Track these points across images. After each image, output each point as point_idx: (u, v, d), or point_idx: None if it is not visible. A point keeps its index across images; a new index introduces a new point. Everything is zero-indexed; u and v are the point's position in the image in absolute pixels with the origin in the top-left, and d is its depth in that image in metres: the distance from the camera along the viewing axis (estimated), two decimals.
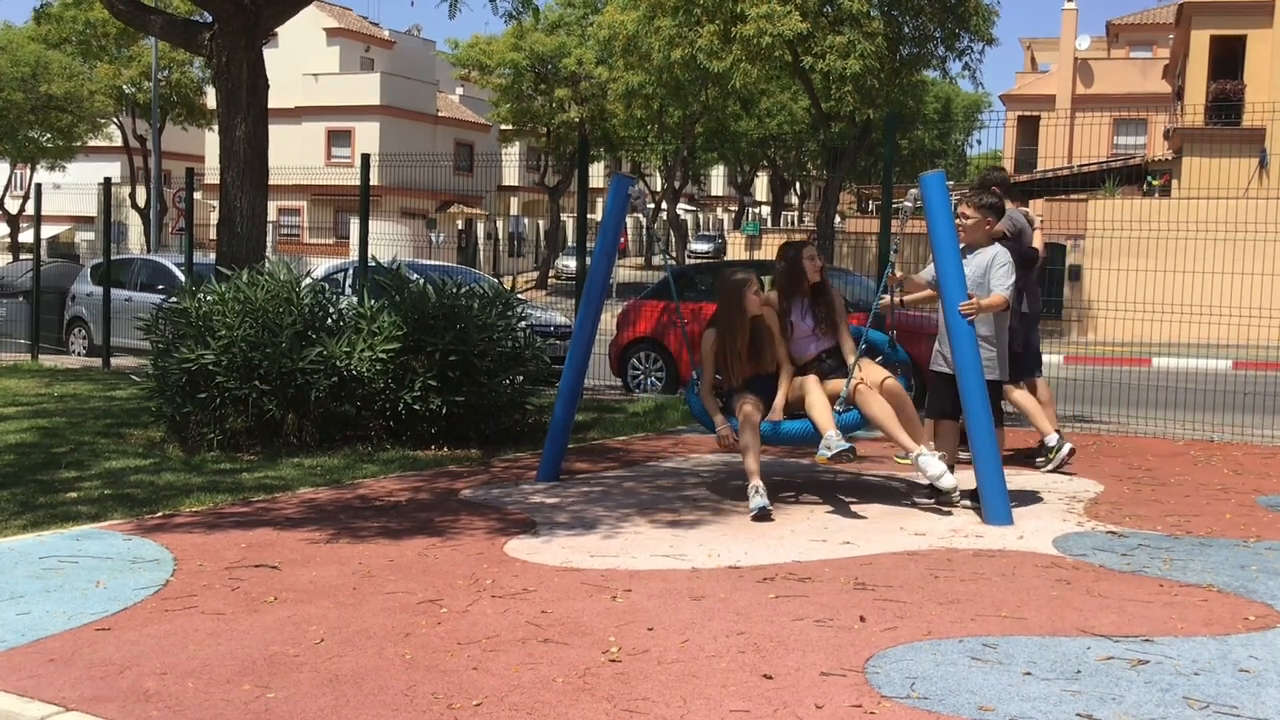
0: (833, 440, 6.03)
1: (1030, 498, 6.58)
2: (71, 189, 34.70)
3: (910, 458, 6.21)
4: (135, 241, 38.61)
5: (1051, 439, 7.48)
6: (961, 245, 6.38)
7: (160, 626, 4.11)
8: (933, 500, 6.38)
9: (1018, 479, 6.89)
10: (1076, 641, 3.94)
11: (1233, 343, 14.34)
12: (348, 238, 36.87)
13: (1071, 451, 7.46)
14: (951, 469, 6.27)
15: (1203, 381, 12.86)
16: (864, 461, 7.82)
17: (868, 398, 6.20)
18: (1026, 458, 7.81)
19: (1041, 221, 8.26)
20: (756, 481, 6.04)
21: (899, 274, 6.80)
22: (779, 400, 6.41)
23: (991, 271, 6.33)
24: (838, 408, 6.24)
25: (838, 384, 6.34)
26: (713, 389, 6.57)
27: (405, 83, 50.57)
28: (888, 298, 6.80)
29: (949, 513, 6.20)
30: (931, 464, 6.09)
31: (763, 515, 5.92)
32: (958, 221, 6.41)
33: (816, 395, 6.22)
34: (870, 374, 6.34)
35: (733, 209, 63.79)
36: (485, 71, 42.70)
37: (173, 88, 39.20)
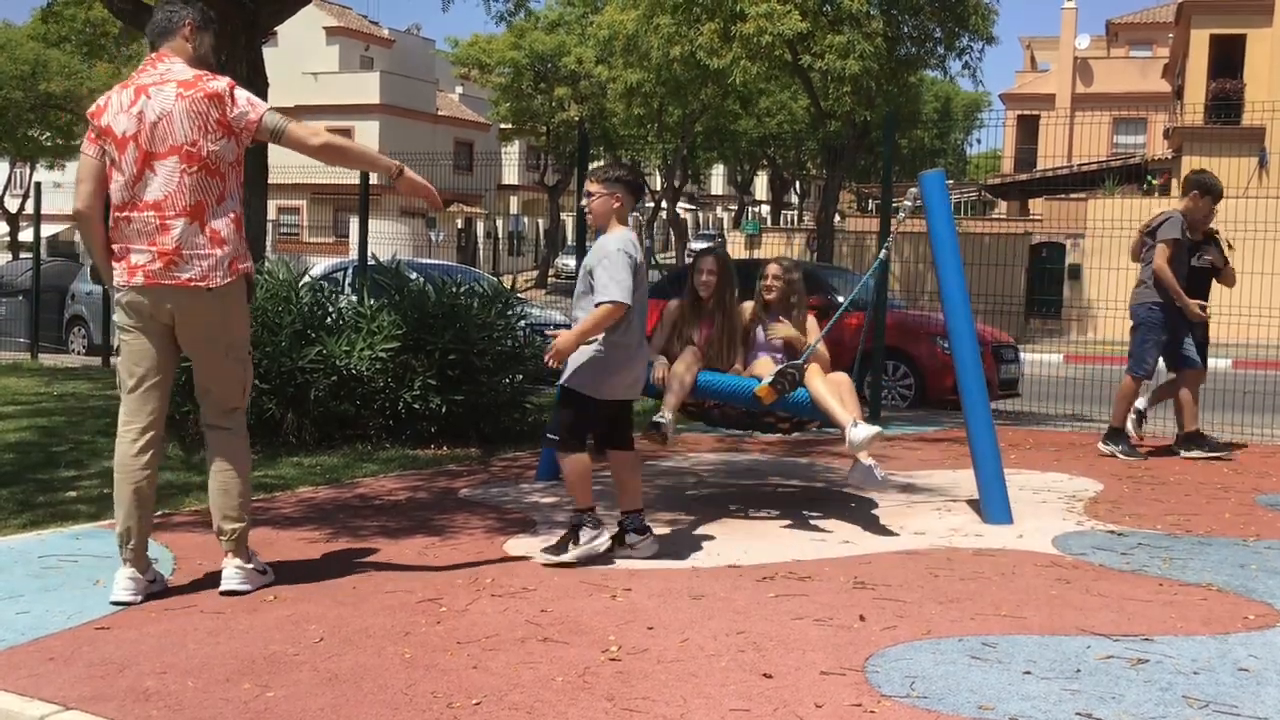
0: (777, 371, 5.80)
1: (1030, 497, 6.58)
2: (71, 188, 34.60)
3: (845, 431, 5.71)
4: None
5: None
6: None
7: (160, 625, 4.11)
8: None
9: (1017, 478, 6.89)
10: (1076, 640, 3.94)
11: (1232, 341, 14.34)
12: (347, 236, 36.85)
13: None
14: None
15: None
16: None
17: (814, 376, 5.90)
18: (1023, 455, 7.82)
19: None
20: (666, 410, 5.77)
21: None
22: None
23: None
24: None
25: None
26: (660, 352, 6.24)
27: (405, 81, 50.58)
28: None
29: (949, 511, 6.21)
30: (858, 433, 5.57)
31: (654, 428, 5.66)
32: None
33: (765, 367, 6.09)
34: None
35: (732, 208, 63.78)
36: (485, 70, 42.70)
37: None
